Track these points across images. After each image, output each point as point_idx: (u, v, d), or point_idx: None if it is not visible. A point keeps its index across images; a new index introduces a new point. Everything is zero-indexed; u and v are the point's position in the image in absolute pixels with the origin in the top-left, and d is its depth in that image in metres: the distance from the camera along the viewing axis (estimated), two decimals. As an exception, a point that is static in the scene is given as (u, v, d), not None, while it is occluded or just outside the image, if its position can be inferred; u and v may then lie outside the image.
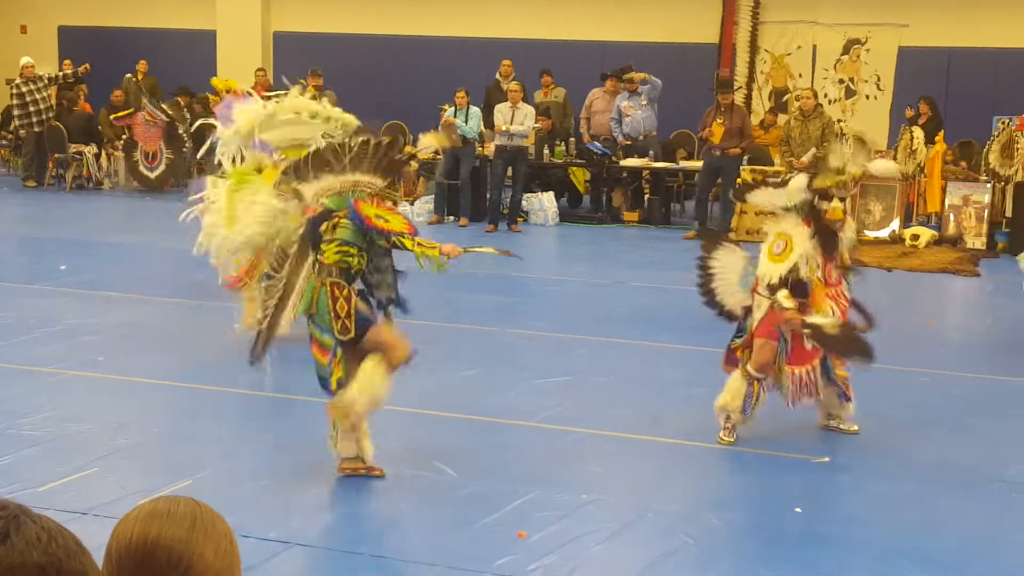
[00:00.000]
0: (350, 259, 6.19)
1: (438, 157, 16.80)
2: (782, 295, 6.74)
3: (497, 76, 18.21)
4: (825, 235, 6.96)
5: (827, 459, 6.83)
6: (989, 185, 15.84)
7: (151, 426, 7.25)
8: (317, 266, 6.20)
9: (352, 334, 6.14)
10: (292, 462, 6.55)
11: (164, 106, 18.78)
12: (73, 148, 18.95)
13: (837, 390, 7.24)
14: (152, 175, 18.79)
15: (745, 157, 17.05)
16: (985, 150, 16.43)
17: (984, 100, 16.85)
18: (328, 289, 6.13)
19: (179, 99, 19.23)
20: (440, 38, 20.89)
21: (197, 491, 5.92)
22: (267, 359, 6.83)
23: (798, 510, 6.07)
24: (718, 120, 15.89)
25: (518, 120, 16.35)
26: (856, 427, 7.31)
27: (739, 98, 19.49)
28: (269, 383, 8.17)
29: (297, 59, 20.52)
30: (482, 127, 16.98)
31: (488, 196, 16.70)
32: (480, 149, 17.13)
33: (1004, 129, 16.33)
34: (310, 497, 6.14)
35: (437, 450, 6.82)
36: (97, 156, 19.22)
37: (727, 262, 7.35)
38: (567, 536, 5.67)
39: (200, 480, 6.16)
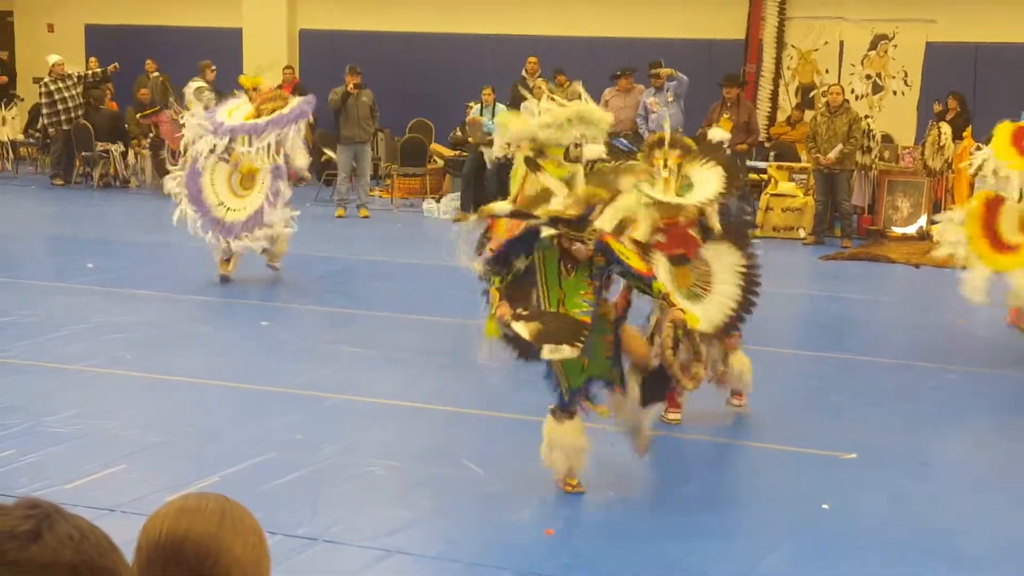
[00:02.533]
0: None
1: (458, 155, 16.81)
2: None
3: (523, 73, 18.19)
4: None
5: (855, 455, 6.80)
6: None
7: (179, 423, 7.27)
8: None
9: None
10: (320, 459, 6.56)
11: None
12: (100, 147, 19.04)
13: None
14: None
15: (771, 153, 17.01)
16: (1013, 145, 16.33)
17: (1012, 96, 16.69)
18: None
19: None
20: (466, 35, 20.87)
21: (225, 487, 5.94)
22: None
23: (826, 506, 6.05)
24: (724, 115, 15.83)
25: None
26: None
27: (766, 94, 19.45)
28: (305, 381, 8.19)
29: (323, 57, 20.61)
30: (507, 124, 16.94)
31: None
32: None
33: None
34: (338, 494, 6.15)
35: (465, 448, 6.82)
36: (124, 155, 19.31)
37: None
38: (594, 533, 5.66)
39: (228, 476, 6.18)
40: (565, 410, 6.15)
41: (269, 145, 11.17)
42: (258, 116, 11.30)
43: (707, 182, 6.99)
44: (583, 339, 5.77)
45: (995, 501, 6.31)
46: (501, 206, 7.03)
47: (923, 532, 5.82)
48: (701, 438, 7.06)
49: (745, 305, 7.09)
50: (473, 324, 10.02)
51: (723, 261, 7.08)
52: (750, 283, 7.10)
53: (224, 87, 18.10)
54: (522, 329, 5.77)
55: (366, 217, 16.64)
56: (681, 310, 5.96)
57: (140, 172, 19.51)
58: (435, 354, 9.08)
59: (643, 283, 5.99)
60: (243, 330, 9.81)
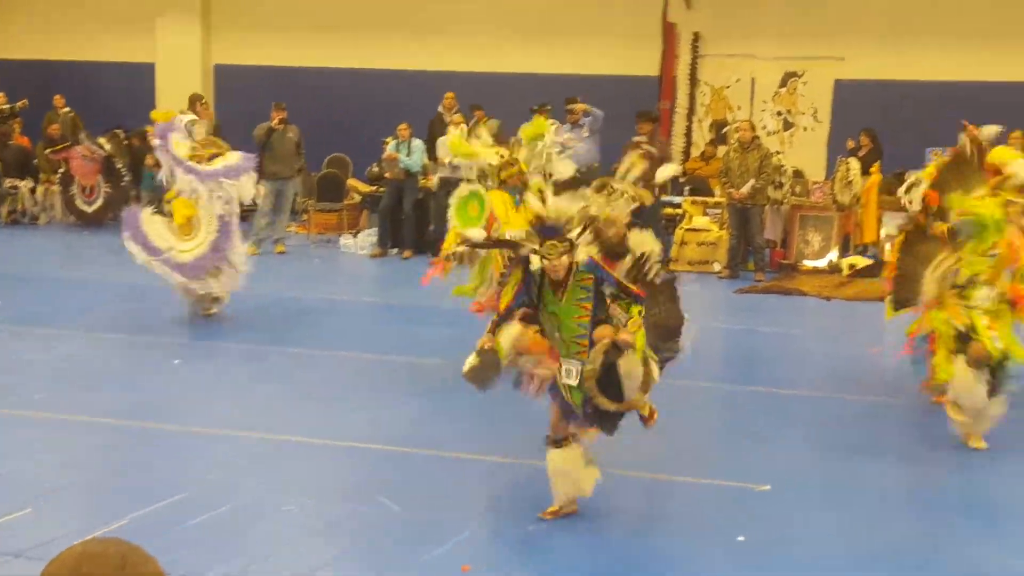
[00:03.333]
0: None
1: (381, 189, 16.82)
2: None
3: (440, 109, 18.24)
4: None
5: (768, 487, 6.86)
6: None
7: (89, 464, 7.16)
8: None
9: None
10: (234, 498, 6.49)
11: (102, 140, 18.65)
12: (8, 182, 18.77)
13: None
14: (90, 209, 18.63)
15: (686, 188, 17.20)
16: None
17: (916, 132, 17.06)
18: None
19: (118, 132, 19.09)
20: (382, 70, 20.91)
21: (137, 530, 5.87)
22: None
23: (741, 539, 6.09)
24: (638, 151, 15.97)
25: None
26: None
27: (680, 130, 19.67)
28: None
29: (238, 92, 20.51)
30: (425, 160, 17.00)
31: (431, 228, 16.70)
32: (423, 181, 17.15)
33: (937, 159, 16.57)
34: (253, 534, 6.08)
35: (382, 485, 6.78)
36: (33, 190, 19.05)
37: None
38: (512, 568, 5.65)
39: (139, 518, 6.09)
40: (559, 439, 6.23)
41: (216, 190, 11.22)
42: (193, 158, 11.26)
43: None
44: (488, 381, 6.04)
45: (911, 528, 6.40)
46: (475, 233, 7.04)
47: (839, 562, 5.88)
48: (616, 472, 7.08)
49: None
50: (388, 359, 10.05)
51: None
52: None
53: (137, 124, 18.00)
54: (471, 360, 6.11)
55: (283, 253, 16.56)
56: (630, 335, 5.92)
57: (50, 208, 19.25)
58: (352, 390, 9.04)
59: (632, 300, 5.99)
60: (156, 368, 9.69)
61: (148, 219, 11.22)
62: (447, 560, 5.73)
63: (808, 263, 15.98)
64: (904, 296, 8.27)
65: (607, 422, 6.18)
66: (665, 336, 6.39)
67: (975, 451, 7.78)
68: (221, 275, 11.23)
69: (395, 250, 16.85)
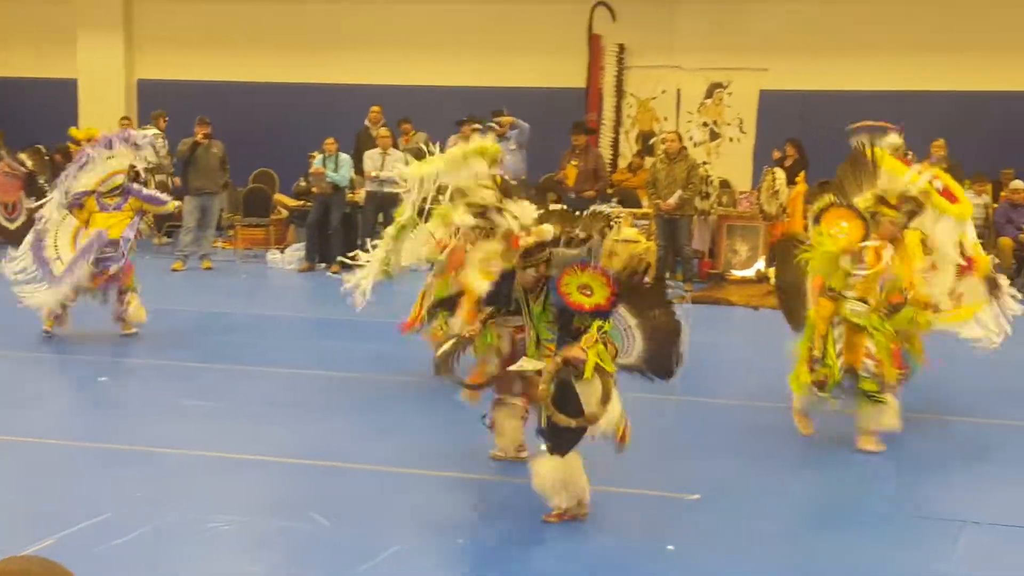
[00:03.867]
0: None
1: (304, 205, 16.71)
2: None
3: (366, 122, 18.20)
4: None
5: (698, 496, 6.89)
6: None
7: (12, 484, 7.06)
8: None
9: None
10: (162, 516, 6.41)
11: (23, 156, 18.36)
12: (-73, 201, 18.45)
13: None
14: (12, 226, 18.32)
15: (614, 199, 17.26)
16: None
17: (839, 142, 17.25)
18: None
19: (39, 148, 18.82)
20: (308, 85, 20.82)
21: (62, 549, 5.77)
22: None
23: (671, 548, 6.11)
24: (572, 162, 16.09)
25: (388, 166, 16.34)
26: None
27: (607, 142, 19.76)
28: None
29: (162, 107, 20.28)
30: (352, 174, 16.95)
31: (359, 243, 16.65)
32: (351, 196, 17.09)
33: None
34: (181, 552, 6.01)
35: (311, 500, 6.74)
36: (-48, 209, 18.73)
37: None
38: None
39: (65, 538, 5.99)
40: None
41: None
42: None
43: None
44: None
45: (839, 537, 6.46)
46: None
47: (767, 571, 5.92)
48: (526, 482, 7.08)
49: None
50: (317, 374, 10.00)
51: None
52: None
53: (59, 140, 17.76)
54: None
55: (209, 269, 16.42)
56: (581, 351, 5.99)
57: (-30, 226, 18.92)
58: (280, 405, 8.98)
59: (577, 316, 6.07)
60: (80, 386, 9.57)
61: (58, 223, 11.12)
62: (378, 574, 5.70)
63: (736, 273, 16.10)
64: (793, 317, 8.42)
65: (562, 440, 6.20)
66: (664, 343, 6.48)
67: (905, 460, 7.90)
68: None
69: (323, 265, 16.76)
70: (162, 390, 9.56)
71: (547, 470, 6.24)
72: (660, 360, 6.45)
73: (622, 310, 6.31)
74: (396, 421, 8.17)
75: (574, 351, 5.98)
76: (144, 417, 8.62)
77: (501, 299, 6.58)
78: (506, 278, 6.56)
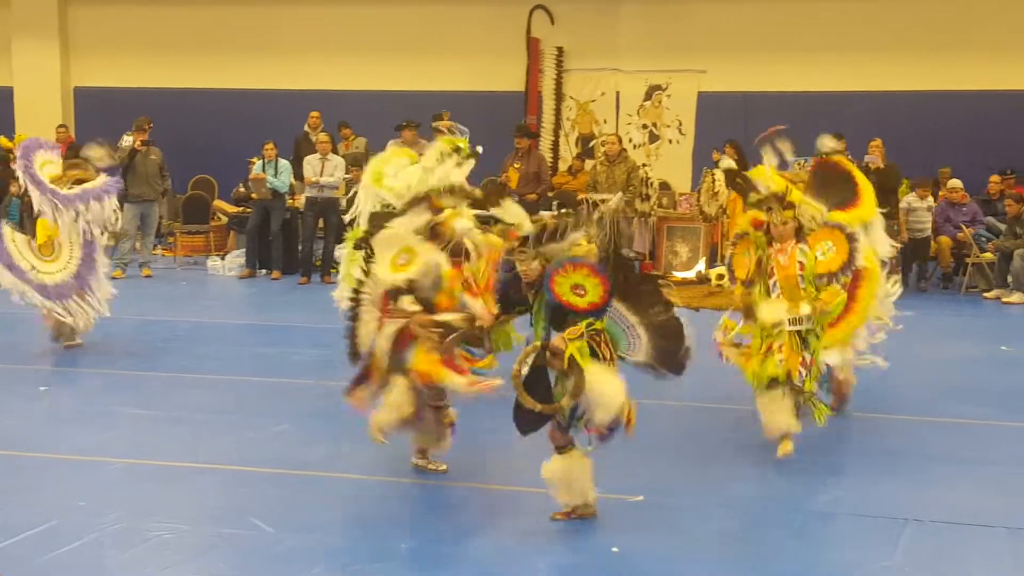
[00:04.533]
0: None
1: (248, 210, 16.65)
2: (407, 300, 6.87)
3: (306, 128, 18.15)
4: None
5: (641, 498, 6.92)
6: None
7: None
8: None
9: None
10: (104, 525, 6.36)
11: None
12: None
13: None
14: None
15: (555, 202, 17.30)
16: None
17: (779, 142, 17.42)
18: None
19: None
20: (246, 91, 20.70)
21: (3, 560, 5.72)
22: None
23: (615, 550, 6.14)
24: (515, 165, 16.12)
25: (328, 171, 16.32)
26: (444, 466, 7.39)
27: (547, 145, 19.81)
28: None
29: (100, 115, 20.13)
30: (292, 179, 16.89)
31: (300, 248, 16.60)
32: (291, 201, 17.03)
33: (800, 170, 16.92)
34: (124, 561, 5.97)
35: (254, 507, 6.71)
36: None
37: None
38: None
39: (6, 548, 5.94)
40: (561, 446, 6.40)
41: (78, 214, 10.97)
42: (56, 181, 11.02)
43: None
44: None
45: (783, 537, 6.51)
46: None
47: (711, 572, 5.97)
48: (491, 487, 7.11)
49: None
50: (259, 381, 9.95)
51: None
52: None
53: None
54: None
55: (149, 276, 16.30)
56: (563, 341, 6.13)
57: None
58: (222, 413, 8.94)
59: (571, 315, 6.13)
60: (20, 395, 9.47)
61: (10, 237, 10.96)
62: (323, 580, 5.69)
63: (677, 274, 16.19)
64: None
65: (523, 421, 6.35)
66: (671, 339, 6.49)
67: (848, 459, 7.97)
68: (84, 304, 10.96)
69: (264, 271, 16.69)
70: (104, 399, 9.48)
71: (552, 468, 6.39)
72: (669, 357, 6.50)
73: (622, 309, 6.37)
74: (339, 427, 8.13)
75: (556, 341, 6.14)
76: (86, 426, 8.55)
77: (512, 300, 6.51)
78: (516, 278, 6.43)
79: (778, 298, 7.70)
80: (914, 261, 16.34)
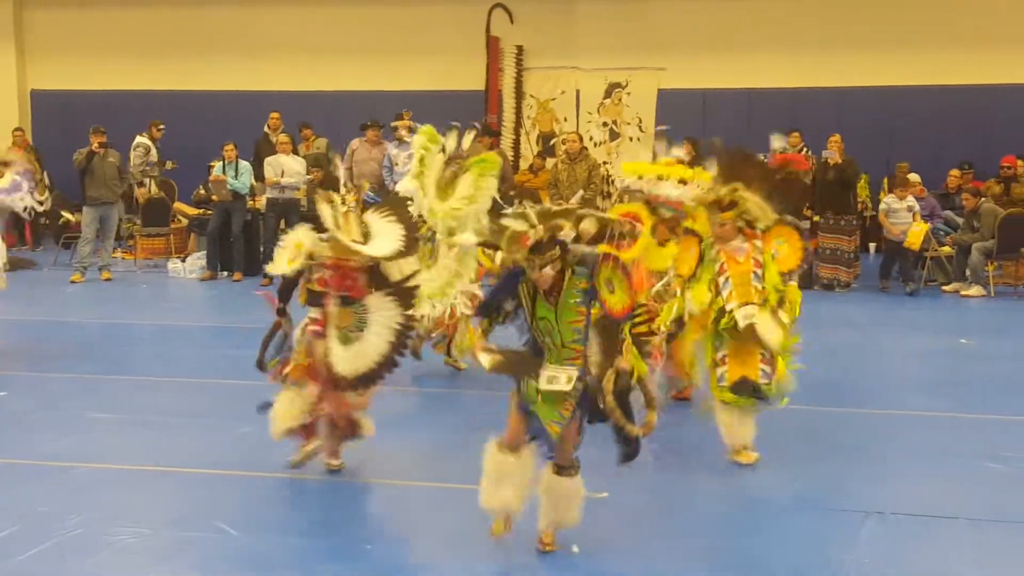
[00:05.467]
0: None
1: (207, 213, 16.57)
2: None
3: (265, 129, 18.08)
4: None
5: (605, 495, 6.93)
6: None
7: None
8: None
9: None
10: (66, 530, 6.32)
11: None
12: None
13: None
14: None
15: (516, 201, 17.30)
16: (743, 186, 17.08)
17: (736, 138, 17.50)
18: None
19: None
20: (205, 92, 20.62)
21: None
22: None
23: (575, 548, 6.14)
24: (478, 165, 16.06)
25: (289, 172, 16.27)
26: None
27: (508, 143, 19.82)
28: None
29: (57, 117, 20.02)
30: (253, 181, 16.82)
31: (262, 250, 16.53)
32: (251, 203, 16.96)
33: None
34: (87, 566, 5.93)
35: (219, 510, 6.69)
36: None
37: None
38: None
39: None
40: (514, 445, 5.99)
41: None
42: None
43: (386, 237, 7.02)
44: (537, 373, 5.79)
45: (744, 532, 6.54)
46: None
47: (673, 568, 5.99)
48: (449, 485, 7.09)
49: (388, 363, 7.07)
50: (221, 383, 9.91)
51: (383, 314, 7.07)
52: (400, 343, 7.10)
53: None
54: (485, 360, 5.79)
55: (109, 280, 16.20)
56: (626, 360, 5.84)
57: None
58: (185, 416, 8.90)
59: (611, 321, 5.87)
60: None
61: None
62: (288, 582, 5.68)
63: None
64: None
65: (634, 449, 6.09)
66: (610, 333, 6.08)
67: (809, 452, 8.01)
68: None
69: (225, 273, 16.62)
70: (65, 403, 9.41)
71: (563, 487, 6.07)
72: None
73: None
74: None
75: (620, 362, 5.82)
76: (47, 431, 8.49)
77: (492, 309, 6.00)
78: (507, 283, 5.95)
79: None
80: (896, 262, 15.97)
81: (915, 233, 15.44)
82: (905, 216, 15.88)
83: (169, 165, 18.98)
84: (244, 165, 16.63)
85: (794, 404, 7.82)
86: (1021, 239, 15.75)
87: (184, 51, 20.88)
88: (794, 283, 7.86)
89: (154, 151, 18.54)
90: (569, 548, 6.11)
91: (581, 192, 15.50)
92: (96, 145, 16.30)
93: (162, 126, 18.63)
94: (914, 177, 16.90)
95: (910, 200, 15.97)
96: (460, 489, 6.95)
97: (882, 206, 16.11)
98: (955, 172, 17.64)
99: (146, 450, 7.98)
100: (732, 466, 7.65)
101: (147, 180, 18.43)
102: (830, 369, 10.03)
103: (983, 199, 16.19)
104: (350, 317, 7.01)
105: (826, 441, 8.35)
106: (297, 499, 7.04)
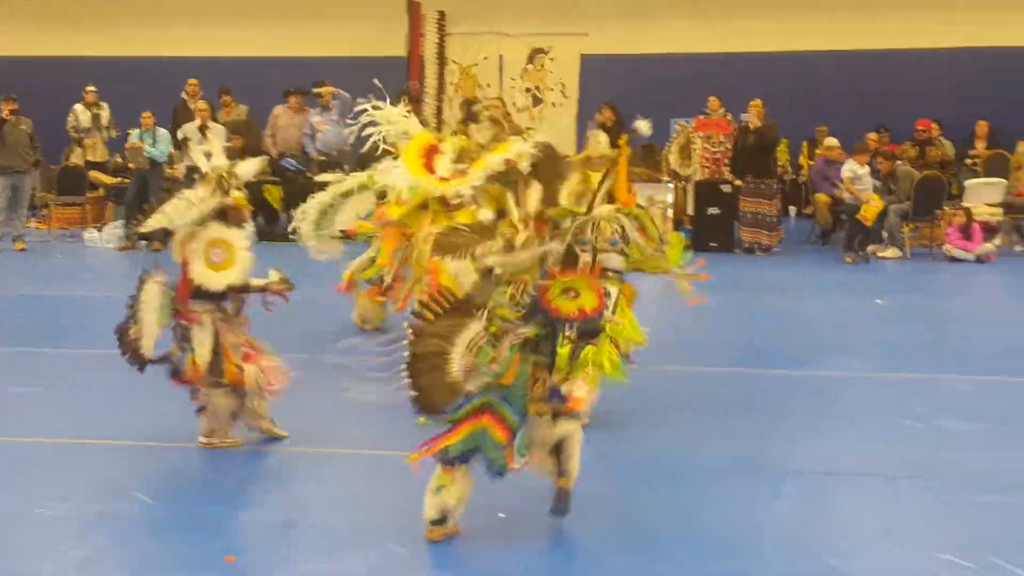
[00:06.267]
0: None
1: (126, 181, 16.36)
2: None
3: (183, 96, 17.87)
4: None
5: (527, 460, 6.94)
6: (671, 185, 16.60)
7: None
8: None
9: None
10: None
11: None
12: None
13: None
14: None
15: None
16: (665, 151, 17.20)
17: (661, 104, 17.60)
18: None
19: None
20: (120, 58, 20.33)
21: None
22: None
23: (501, 515, 6.15)
24: (399, 132, 16.00)
25: (209, 140, 16.09)
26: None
27: (430, 110, 19.75)
28: None
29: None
30: (171, 148, 16.63)
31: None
32: (169, 171, 16.77)
33: (682, 131, 17.13)
34: (4, 544, 5.86)
35: (137, 481, 6.64)
36: None
37: None
38: (277, 557, 5.61)
39: None
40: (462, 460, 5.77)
41: None
42: None
43: None
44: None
45: (668, 493, 6.60)
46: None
47: (599, 530, 6.03)
48: (375, 453, 7.09)
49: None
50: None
51: None
52: None
53: None
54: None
55: (23, 250, 15.95)
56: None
57: None
58: (104, 388, 8.78)
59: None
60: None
61: None
62: (209, 552, 5.64)
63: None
64: None
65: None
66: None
67: (731, 414, 8.09)
68: None
69: (143, 243, 16.40)
70: (-21, 377, 9.28)
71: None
72: None
73: None
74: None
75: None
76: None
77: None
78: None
79: None
80: (860, 230, 15.81)
81: (871, 208, 15.54)
82: (868, 181, 15.99)
83: (114, 132, 18.69)
84: (162, 133, 16.45)
85: (715, 367, 7.89)
86: (936, 201, 16.00)
87: (101, 17, 20.57)
88: None
89: (86, 116, 18.25)
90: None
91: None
92: (7, 112, 16.01)
93: (90, 88, 18.33)
94: (832, 141, 17.08)
95: (867, 167, 16.11)
96: (383, 456, 6.96)
97: (847, 173, 16.06)
98: (872, 136, 17.85)
99: (62, 423, 7.89)
100: (650, 430, 7.71)
101: (84, 144, 18.18)
102: (749, 333, 10.12)
103: (899, 162, 16.40)
104: None
105: (745, 403, 8.44)
106: (217, 469, 6.99)
